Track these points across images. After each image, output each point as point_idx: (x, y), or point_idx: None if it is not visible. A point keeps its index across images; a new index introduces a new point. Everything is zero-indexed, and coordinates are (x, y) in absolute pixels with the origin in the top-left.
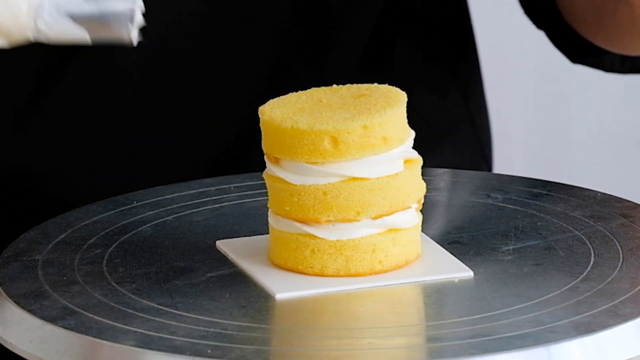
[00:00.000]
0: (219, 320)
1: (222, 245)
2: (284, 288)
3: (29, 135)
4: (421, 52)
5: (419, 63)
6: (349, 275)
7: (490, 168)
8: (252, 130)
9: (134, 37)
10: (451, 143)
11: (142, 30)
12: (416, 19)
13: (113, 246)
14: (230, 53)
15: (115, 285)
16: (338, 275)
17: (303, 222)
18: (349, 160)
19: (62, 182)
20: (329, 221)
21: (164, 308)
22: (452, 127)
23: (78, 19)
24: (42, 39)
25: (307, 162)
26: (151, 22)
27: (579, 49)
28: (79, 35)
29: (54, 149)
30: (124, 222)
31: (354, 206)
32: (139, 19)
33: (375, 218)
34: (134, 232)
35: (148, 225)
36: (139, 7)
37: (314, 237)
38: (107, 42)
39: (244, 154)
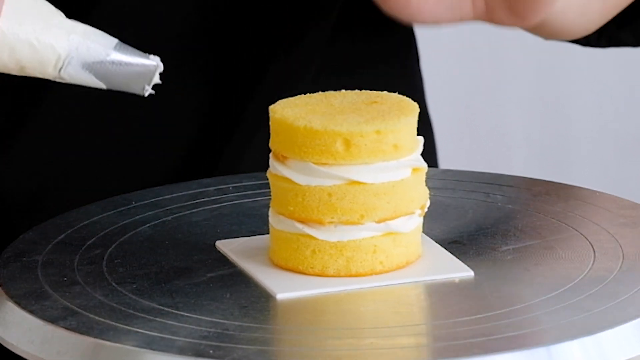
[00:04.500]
0: (220, 321)
1: (222, 245)
2: (285, 288)
3: (23, 140)
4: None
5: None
6: (350, 276)
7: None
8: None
9: (147, 92)
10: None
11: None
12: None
13: (113, 246)
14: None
15: (116, 285)
16: (339, 276)
17: (306, 222)
18: (359, 165)
19: (60, 183)
20: (332, 223)
21: (165, 308)
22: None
23: (99, 74)
24: (60, 80)
25: (316, 163)
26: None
27: None
28: (96, 84)
29: (50, 152)
30: (123, 222)
31: (358, 209)
32: (156, 80)
33: (378, 222)
34: (133, 232)
35: (147, 225)
36: (158, 69)
37: (315, 237)
38: (120, 90)
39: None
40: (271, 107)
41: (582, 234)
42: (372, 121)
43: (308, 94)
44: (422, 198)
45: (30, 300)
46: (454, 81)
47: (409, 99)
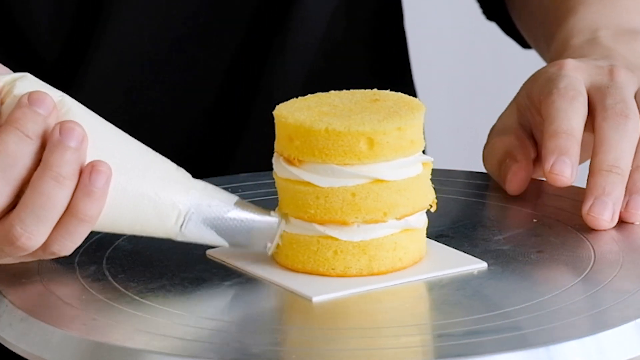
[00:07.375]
0: (221, 321)
1: (215, 254)
2: (318, 291)
3: None
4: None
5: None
6: (372, 274)
7: None
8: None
9: (270, 250)
10: None
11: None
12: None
13: (113, 247)
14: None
15: (117, 285)
16: (361, 275)
17: (328, 224)
18: (382, 162)
19: None
20: (356, 222)
21: (165, 308)
22: None
23: (220, 231)
24: (181, 239)
25: (338, 164)
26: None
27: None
28: (218, 242)
29: None
30: None
31: (381, 207)
32: (278, 239)
33: (399, 218)
34: None
35: None
36: (280, 228)
37: (337, 238)
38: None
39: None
40: (276, 113)
41: (582, 234)
42: (391, 118)
43: (300, 97)
44: (431, 193)
45: (31, 300)
46: (455, 81)
47: (407, 95)
